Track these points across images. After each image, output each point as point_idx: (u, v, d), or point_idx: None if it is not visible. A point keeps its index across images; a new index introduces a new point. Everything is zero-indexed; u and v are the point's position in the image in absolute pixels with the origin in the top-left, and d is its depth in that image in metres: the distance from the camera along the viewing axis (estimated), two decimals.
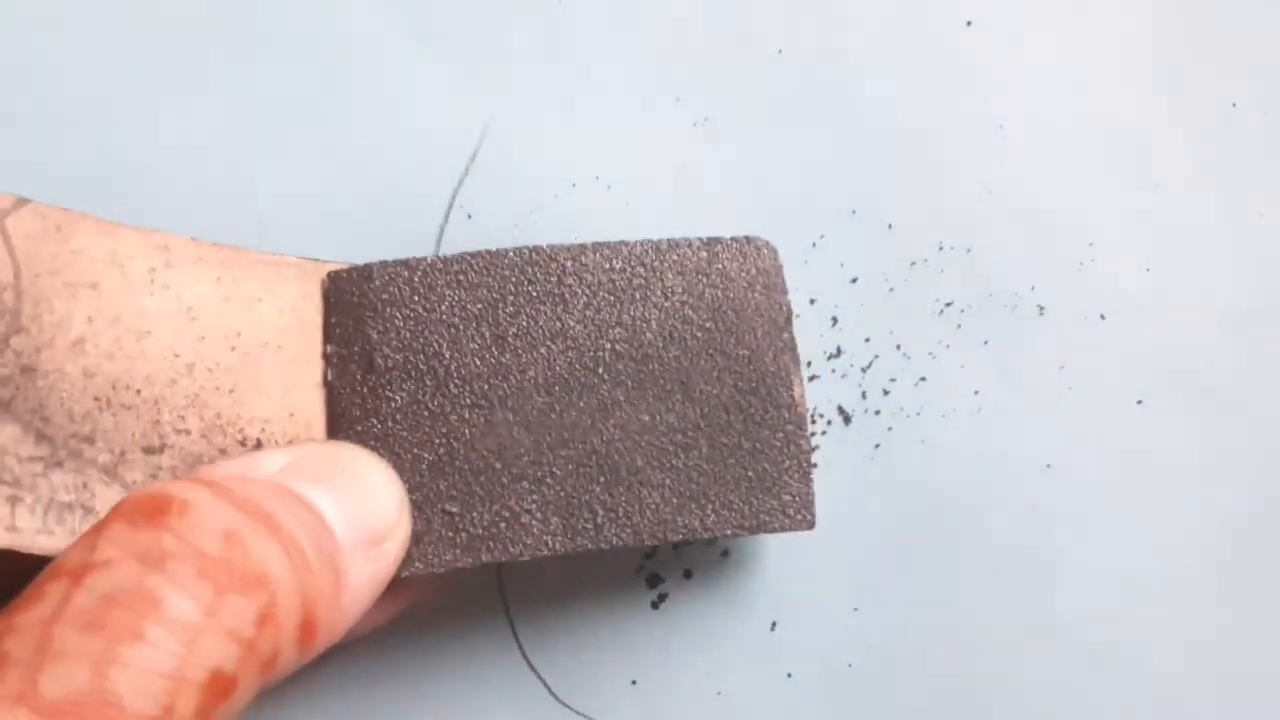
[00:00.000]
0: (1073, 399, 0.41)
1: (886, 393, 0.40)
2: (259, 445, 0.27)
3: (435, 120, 0.40)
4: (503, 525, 0.30)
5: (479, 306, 0.31)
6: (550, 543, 0.31)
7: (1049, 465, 0.41)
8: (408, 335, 0.30)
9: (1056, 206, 0.42)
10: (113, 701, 0.19)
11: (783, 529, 0.33)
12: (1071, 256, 0.41)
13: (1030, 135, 0.42)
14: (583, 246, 0.32)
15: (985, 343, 0.41)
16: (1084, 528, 0.40)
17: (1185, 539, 0.41)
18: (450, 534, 0.29)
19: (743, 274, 0.33)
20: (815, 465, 0.35)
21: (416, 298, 0.30)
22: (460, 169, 0.39)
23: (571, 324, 0.31)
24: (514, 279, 0.31)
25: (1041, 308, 0.41)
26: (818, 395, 0.40)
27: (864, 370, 0.40)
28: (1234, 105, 0.42)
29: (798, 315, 0.40)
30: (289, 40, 0.39)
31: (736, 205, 0.40)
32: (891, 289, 0.41)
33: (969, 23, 0.42)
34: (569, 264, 0.31)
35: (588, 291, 0.31)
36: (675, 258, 0.32)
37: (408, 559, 0.29)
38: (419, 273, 0.31)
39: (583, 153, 0.40)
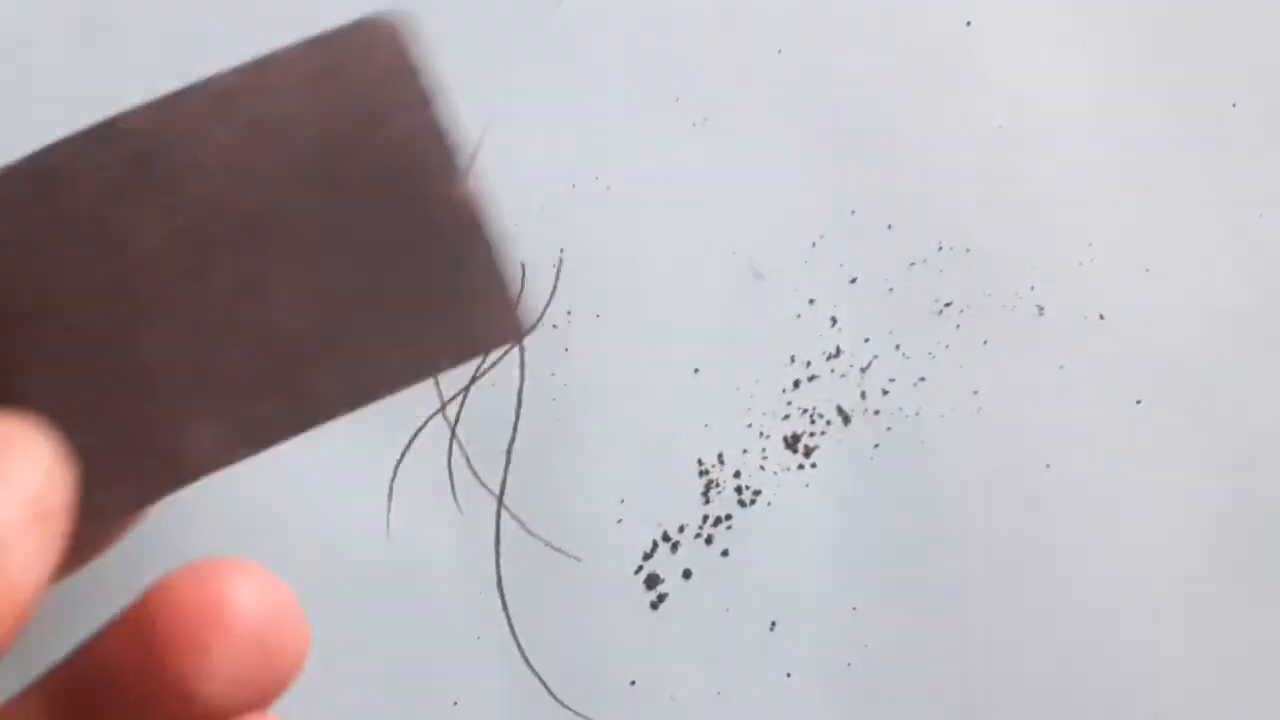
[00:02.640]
0: (1072, 399, 0.41)
1: (886, 393, 0.40)
2: None
3: None
4: (172, 449, 0.26)
5: (68, 218, 0.25)
6: (227, 453, 0.27)
7: (1048, 465, 0.41)
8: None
9: (1056, 207, 0.42)
10: None
11: (486, 348, 0.27)
12: (1071, 257, 0.41)
13: (1029, 136, 0.42)
14: (178, 93, 0.26)
15: (984, 343, 0.41)
16: (1083, 527, 0.40)
17: (1184, 538, 0.41)
18: (121, 474, 0.25)
19: (368, 72, 0.27)
20: (516, 267, 0.30)
21: None
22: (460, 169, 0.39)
23: (187, 200, 0.26)
24: (97, 173, 0.25)
25: (1041, 308, 0.41)
26: (817, 396, 0.40)
27: (863, 370, 0.40)
28: (1234, 105, 0.42)
29: (797, 315, 0.40)
30: (284, 40, 0.39)
31: (735, 205, 0.40)
32: (891, 289, 0.41)
33: (968, 23, 0.42)
34: (165, 128, 0.26)
35: (191, 147, 0.26)
36: (279, 76, 0.26)
37: (88, 514, 0.25)
38: None
39: (582, 153, 0.40)
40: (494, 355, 0.39)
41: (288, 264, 0.26)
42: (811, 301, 0.40)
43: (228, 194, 0.26)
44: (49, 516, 0.24)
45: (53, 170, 0.25)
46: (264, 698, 0.24)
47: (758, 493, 0.40)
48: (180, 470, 0.26)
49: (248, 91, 0.26)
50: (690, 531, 0.39)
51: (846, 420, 0.40)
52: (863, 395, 0.40)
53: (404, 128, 0.27)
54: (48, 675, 0.25)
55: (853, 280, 0.41)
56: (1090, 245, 0.41)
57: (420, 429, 0.38)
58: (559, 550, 0.37)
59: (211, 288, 0.26)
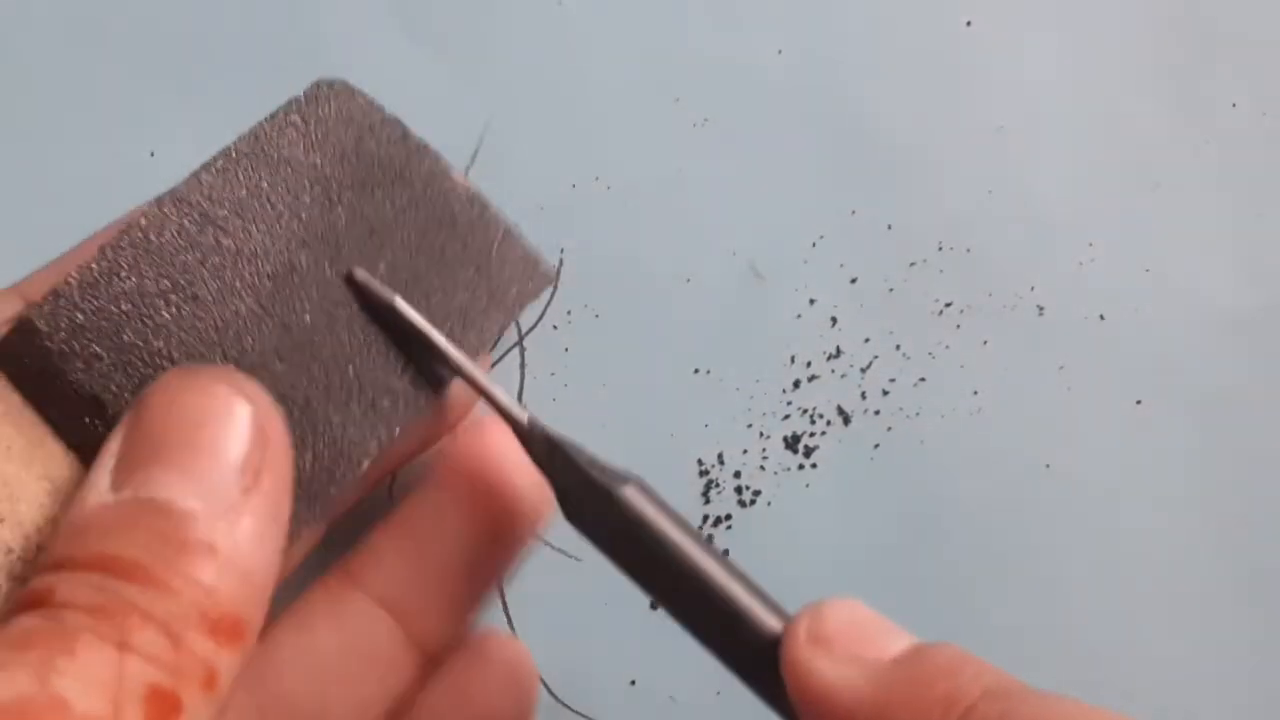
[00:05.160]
0: (1072, 399, 0.41)
1: (886, 393, 0.40)
2: (39, 551, 0.25)
3: (435, 120, 0.40)
4: (326, 454, 0.29)
5: (155, 287, 0.28)
6: (376, 435, 0.30)
7: (1048, 465, 0.41)
8: (112, 353, 0.27)
9: (1056, 207, 0.42)
10: (59, 702, 0.19)
11: (532, 296, 0.32)
12: (1071, 257, 0.41)
13: (1030, 136, 0.42)
14: (195, 174, 0.29)
15: (985, 343, 0.41)
16: (1083, 527, 0.40)
17: (1183, 538, 0.41)
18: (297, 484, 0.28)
19: (339, 114, 0.31)
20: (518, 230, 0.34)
21: (91, 318, 0.27)
22: (460, 169, 0.39)
23: (243, 245, 0.29)
24: (162, 250, 0.28)
25: (1041, 308, 0.41)
26: (817, 396, 0.40)
27: (864, 371, 0.40)
28: (1234, 105, 0.42)
29: (798, 316, 0.40)
30: (288, 41, 0.39)
31: (735, 206, 0.40)
32: (891, 289, 0.41)
33: (968, 23, 0.42)
34: (198, 199, 0.29)
35: (233, 209, 0.29)
36: (277, 135, 0.30)
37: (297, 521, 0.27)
38: (79, 291, 0.27)
39: (582, 153, 0.40)
40: (495, 354, 0.39)
41: (341, 283, 0.30)
42: (812, 302, 0.40)
43: (287, 225, 0.29)
44: (262, 481, 0.24)
45: (121, 263, 0.28)
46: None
47: (758, 493, 0.40)
48: (348, 463, 0.29)
49: (252, 158, 0.29)
50: None
51: (847, 420, 0.40)
52: (863, 395, 0.40)
53: (388, 148, 0.31)
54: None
55: (853, 280, 0.41)
56: (1090, 245, 0.41)
57: None
58: (559, 550, 0.37)
59: (296, 311, 0.29)
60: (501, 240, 0.32)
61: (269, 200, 0.29)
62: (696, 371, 0.40)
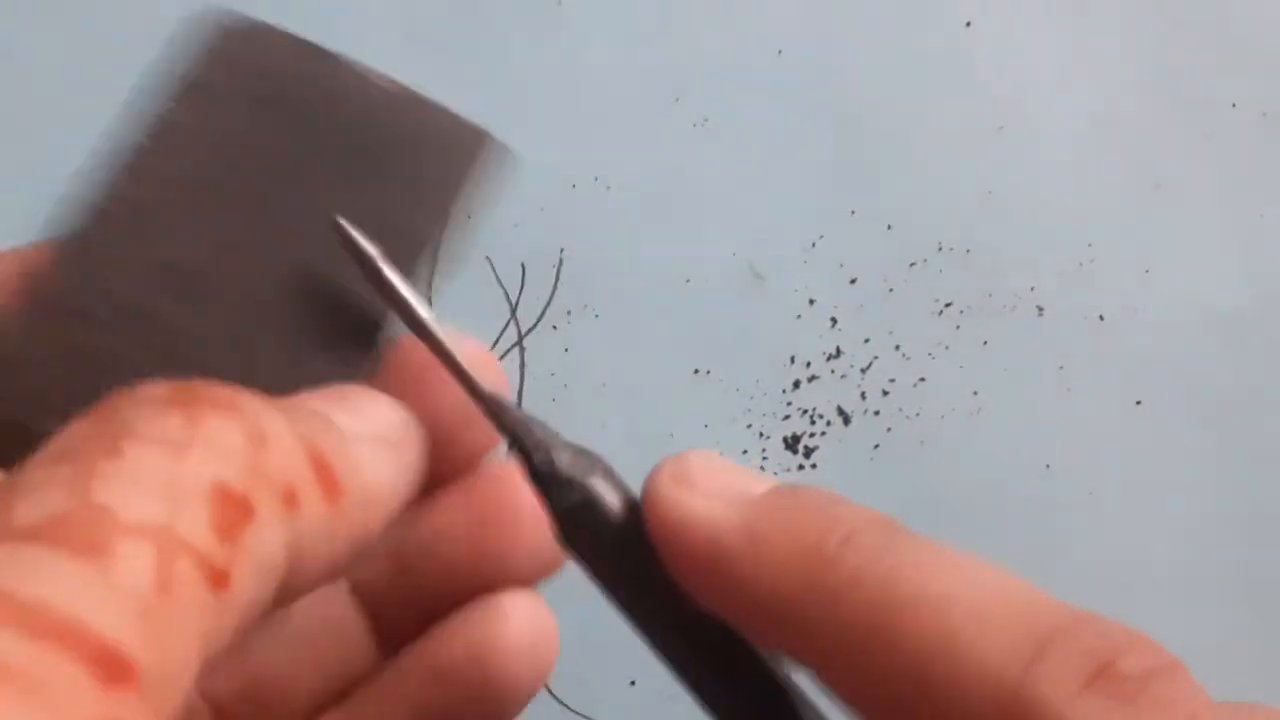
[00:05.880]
0: (1072, 400, 0.41)
1: (886, 393, 0.40)
2: None
3: None
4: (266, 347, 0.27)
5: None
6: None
7: (1048, 465, 0.41)
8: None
9: (1056, 208, 0.42)
10: (101, 512, 0.16)
11: (480, 173, 0.30)
12: (1071, 258, 0.41)
13: (1030, 136, 0.42)
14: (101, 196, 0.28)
15: (984, 343, 0.41)
16: (1083, 527, 0.41)
17: (1183, 538, 0.41)
18: None
19: (232, 69, 0.29)
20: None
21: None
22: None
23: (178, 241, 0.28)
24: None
25: (1041, 309, 0.41)
26: (817, 396, 0.40)
27: (863, 371, 0.40)
28: (1234, 106, 0.42)
29: (797, 316, 0.40)
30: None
31: (735, 206, 0.40)
32: (891, 290, 0.41)
33: (968, 24, 0.42)
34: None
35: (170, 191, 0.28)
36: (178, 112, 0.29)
37: None
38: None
39: (582, 153, 0.40)
40: (498, 351, 0.39)
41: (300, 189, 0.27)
42: (812, 302, 0.40)
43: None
44: (400, 445, 0.24)
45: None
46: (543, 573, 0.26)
47: None
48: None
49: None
50: None
51: (847, 421, 0.40)
52: (863, 396, 0.40)
53: (299, 80, 0.28)
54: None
55: (853, 281, 0.41)
56: (1090, 246, 0.41)
57: None
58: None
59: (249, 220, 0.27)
60: (432, 121, 0.28)
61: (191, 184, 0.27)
62: (696, 372, 0.40)
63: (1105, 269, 0.42)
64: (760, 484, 0.24)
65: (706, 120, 0.41)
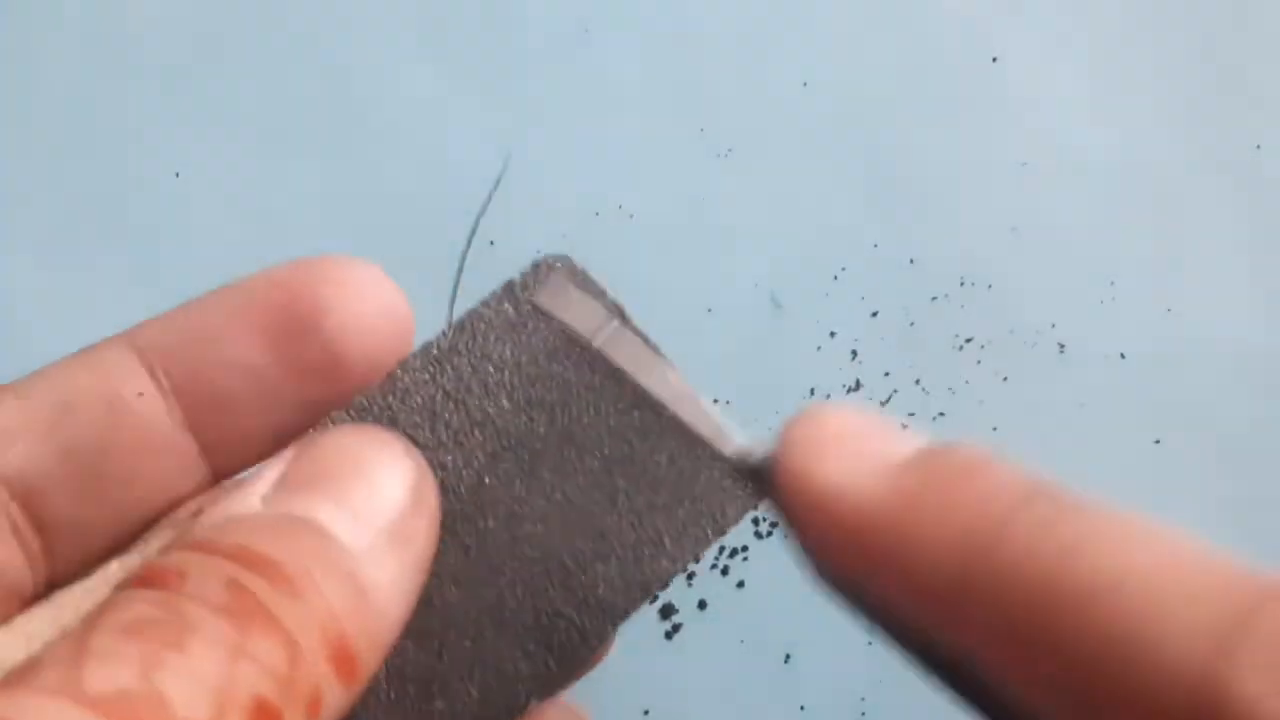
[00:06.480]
0: (1091, 437, 0.41)
1: (905, 427, 0.40)
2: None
3: (460, 148, 0.40)
4: (494, 687, 0.28)
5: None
6: (548, 671, 0.28)
7: None
8: None
9: (1079, 245, 0.42)
10: (160, 700, 0.18)
11: (740, 515, 0.30)
12: (1093, 295, 0.41)
13: (1054, 173, 0.42)
14: (391, 374, 0.28)
15: (1005, 380, 0.41)
16: None
17: None
18: None
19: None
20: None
21: None
22: (484, 196, 0.39)
23: (431, 455, 0.27)
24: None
25: (1062, 345, 0.41)
26: None
27: (883, 404, 0.40)
28: (1258, 147, 0.42)
29: (818, 348, 0.40)
30: (318, 71, 0.40)
31: (758, 237, 0.41)
32: (912, 323, 0.41)
33: (994, 59, 0.42)
34: (391, 401, 0.28)
35: (426, 415, 0.28)
36: (484, 327, 0.28)
37: None
38: None
39: (606, 181, 0.41)
40: None
41: (536, 489, 0.28)
42: (832, 334, 0.40)
43: (468, 440, 0.28)
44: (412, 541, 0.24)
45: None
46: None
47: (774, 525, 0.40)
48: (504, 706, 0.27)
49: (462, 344, 0.28)
50: (706, 562, 0.39)
51: None
52: None
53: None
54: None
55: (874, 314, 0.41)
56: (1112, 284, 0.41)
57: None
58: None
59: (481, 531, 0.27)
60: (709, 458, 0.28)
61: (464, 405, 0.28)
62: (716, 402, 0.40)
63: (1127, 307, 0.41)
64: (906, 444, 0.21)
65: (730, 151, 0.41)
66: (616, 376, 0.29)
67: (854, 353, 0.40)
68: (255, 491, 0.23)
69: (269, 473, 0.24)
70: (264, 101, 0.39)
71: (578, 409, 0.29)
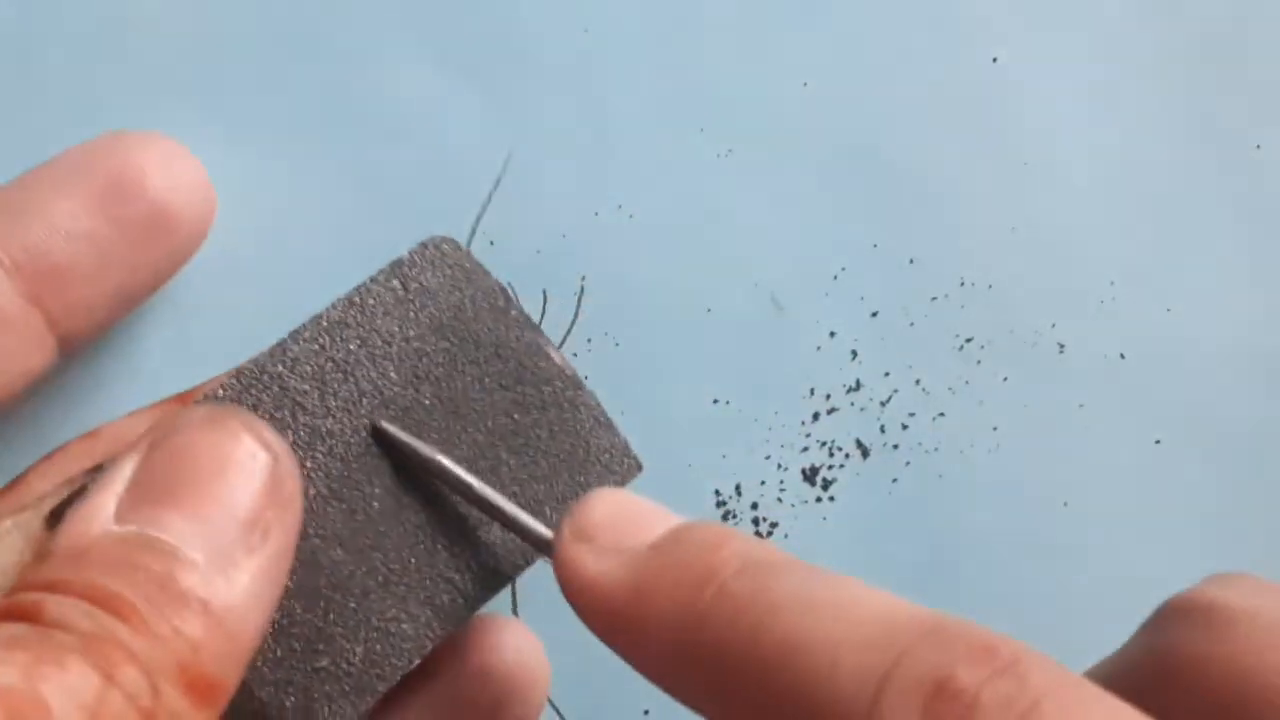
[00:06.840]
0: (1091, 438, 0.41)
1: (905, 427, 0.40)
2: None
3: (460, 147, 0.40)
4: (378, 648, 0.28)
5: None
6: (430, 633, 0.29)
7: (1066, 503, 0.41)
8: None
9: (1078, 245, 0.42)
10: (42, 704, 0.19)
11: (620, 484, 0.31)
12: (1093, 295, 0.41)
13: (1054, 173, 0.42)
14: (282, 343, 0.29)
15: (1005, 380, 0.41)
16: (1101, 566, 0.40)
17: (1203, 578, 0.40)
18: (336, 688, 0.27)
19: (442, 281, 0.30)
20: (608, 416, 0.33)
21: None
22: (483, 195, 0.39)
23: (319, 423, 0.28)
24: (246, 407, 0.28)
25: (1061, 346, 0.41)
26: (836, 429, 0.40)
27: (883, 404, 0.40)
28: (1258, 147, 0.42)
29: (818, 348, 0.40)
30: (317, 68, 0.40)
31: (758, 237, 0.41)
32: (912, 324, 0.41)
33: (994, 59, 0.42)
34: (281, 369, 0.28)
35: (315, 383, 0.28)
36: (372, 302, 0.30)
37: None
38: None
39: (606, 181, 0.40)
40: None
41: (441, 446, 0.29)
42: (832, 334, 0.40)
43: (354, 409, 0.29)
44: (269, 535, 0.24)
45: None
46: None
47: (775, 525, 0.40)
48: (390, 665, 0.28)
49: (350, 316, 0.29)
50: None
51: (865, 454, 0.40)
52: (882, 429, 0.40)
53: (491, 320, 0.31)
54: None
55: (874, 314, 0.41)
56: (1113, 284, 0.41)
57: None
58: None
59: (364, 494, 0.28)
60: (591, 430, 0.31)
61: (352, 375, 0.29)
62: (715, 402, 0.40)
63: (1127, 307, 0.41)
64: (659, 527, 0.25)
65: (731, 151, 0.41)
66: (500, 353, 0.31)
67: (854, 353, 0.40)
68: (106, 500, 0.23)
69: (124, 469, 0.24)
70: (263, 101, 0.39)
71: (462, 384, 0.30)
